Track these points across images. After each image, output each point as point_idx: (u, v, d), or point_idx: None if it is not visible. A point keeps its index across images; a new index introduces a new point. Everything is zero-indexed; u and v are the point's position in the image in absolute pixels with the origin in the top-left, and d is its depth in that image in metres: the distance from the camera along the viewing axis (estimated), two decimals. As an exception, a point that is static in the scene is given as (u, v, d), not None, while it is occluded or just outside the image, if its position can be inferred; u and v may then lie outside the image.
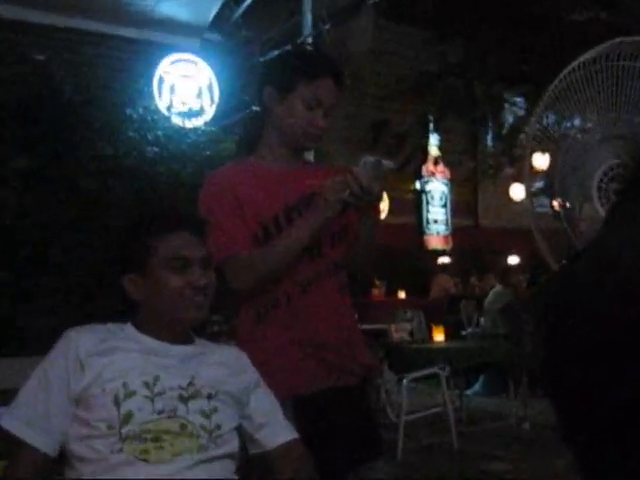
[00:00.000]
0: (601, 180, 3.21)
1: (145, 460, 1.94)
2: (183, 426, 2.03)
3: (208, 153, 6.54)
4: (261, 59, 8.69)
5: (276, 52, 7.71)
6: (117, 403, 1.99)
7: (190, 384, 2.09)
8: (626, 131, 3.15)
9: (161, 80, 7.70)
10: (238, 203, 2.61)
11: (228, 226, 2.59)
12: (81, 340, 2.08)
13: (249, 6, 8.36)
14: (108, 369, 2.03)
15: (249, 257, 2.57)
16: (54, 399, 2.03)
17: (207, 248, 2.22)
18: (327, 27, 8.04)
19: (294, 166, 2.75)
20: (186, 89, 7.78)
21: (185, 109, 7.49)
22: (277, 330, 2.62)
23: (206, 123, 7.47)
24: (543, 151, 3.67)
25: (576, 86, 3.28)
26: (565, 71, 3.30)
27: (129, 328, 2.18)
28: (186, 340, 2.22)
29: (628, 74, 3.15)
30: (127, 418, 1.98)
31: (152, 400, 2.02)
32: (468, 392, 9.26)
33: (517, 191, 14.65)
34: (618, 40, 3.18)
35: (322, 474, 2.33)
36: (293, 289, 2.61)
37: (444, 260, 14.79)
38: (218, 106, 7.93)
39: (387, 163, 2.57)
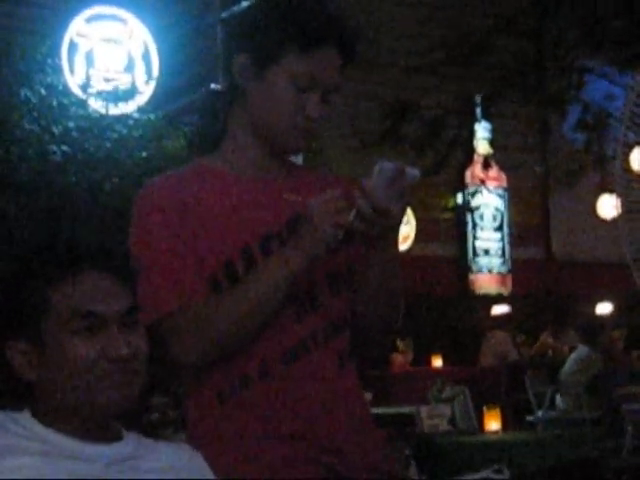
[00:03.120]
0: None
1: None
2: None
3: (144, 154, 6.54)
4: (224, 14, 8.74)
5: (247, 2, 7.72)
6: None
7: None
8: None
9: (73, 46, 7.75)
10: (187, 230, 2.53)
11: (170, 265, 2.52)
12: None
13: None
14: None
15: (198, 311, 2.52)
16: None
17: (137, 298, 2.17)
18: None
19: (275, 174, 2.67)
20: (110, 59, 7.84)
21: (109, 88, 7.53)
22: (247, 419, 2.57)
23: (141, 109, 7.49)
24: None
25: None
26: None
27: (26, 419, 2.16)
28: (113, 436, 2.20)
29: None
30: None
31: None
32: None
33: (607, 206, 14.67)
34: None
35: None
36: (272, 360, 2.54)
37: (501, 310, 14.79)
38: (159, 84, 7.98)
39: (412, 172, 2.48)
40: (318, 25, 2.60)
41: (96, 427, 2.14)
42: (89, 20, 7.82)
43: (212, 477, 2.28)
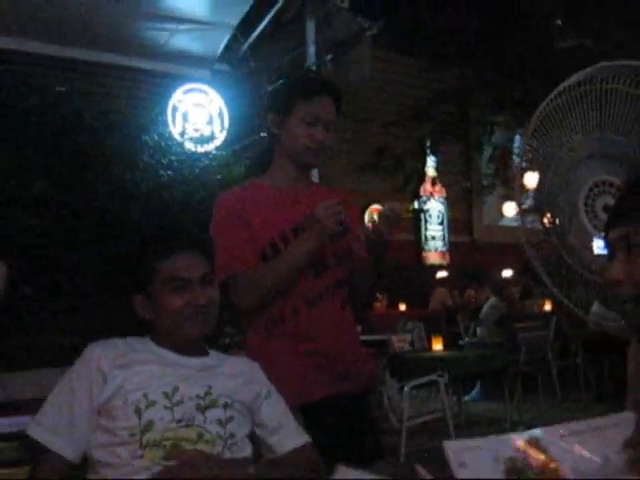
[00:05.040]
0: (587, 196, 3.21)
1: (162, 466, 1.93)
2: (200, 434, 2.02)
3: (219, 177, 6.53)
4: (269, 88, 8.73)
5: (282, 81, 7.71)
6: (139, 413, 1.98)
7: (207, 393, 2.08)
8: (610, 149, 3.14)
9: (175, 108, 7.75)
10: (246, 222, 2.58)
11: (234, 245, 2.56)
12: (104, 353, 2.08)
13: (256, 38, 8.39)
14: (129, 381, 2.02)
15: (247, 276, 2.55)
16: (78, 409, 2.03)
17: (213, 266, 2.21)
18: (329, 58, 8.05)
19: (303, 186, 2.73)
20: (198, 116, 7.84)
21: (197, 135, 7.53)
22: (285, 343, 2.61)
23: (217, 148, 7.49)
24: (533, 170, 3.66)
25: (563, 108, 3.28)
26: (552, 94, 3.29)
27: (148, 342, 2.18)
28: (201, 352, 2.21)
29: (611, 96, 3.15)
30: (148, 427, 1.97)
31: (171, 409, 2.01)
32: (466, 398, 9.19)
33: (509, 209, 14.65)
34: (600, 65, 3.18)
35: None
36: (300, 304, 2.59)
37: (442, 274, 14.74)
38: (228, 132, 7.98)
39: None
40: (315, 82, 2.74)
41: (190, 346, 2.16)
42: (185, 92, 7.83)
43: (264, 379, 2.29)
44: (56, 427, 2.02)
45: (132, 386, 2.02)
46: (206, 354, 2.23)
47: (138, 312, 2.16)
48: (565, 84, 3.24)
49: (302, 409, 2.44)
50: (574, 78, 3.19)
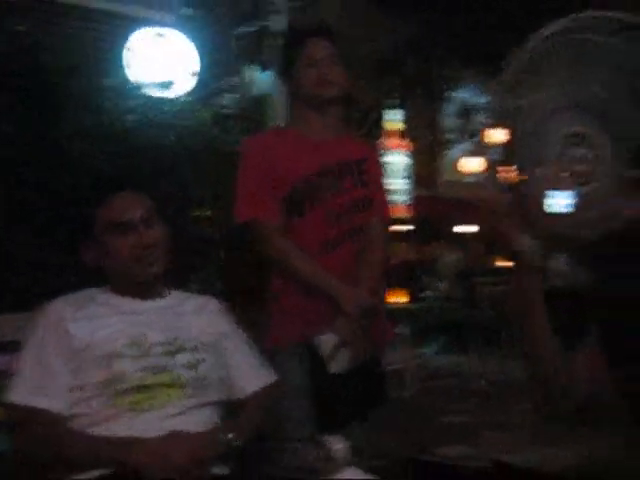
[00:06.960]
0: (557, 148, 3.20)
1: (134, 410, 1.96)
2: (172, 379, 2.04)
3: (187, 123, 6.49)
4: (234, 33, 8.68)
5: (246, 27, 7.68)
6: (109, 366, 2.01)
7: (175, 338, 2.10)
8: (585, 100, 3.13)
9: (138, 53, 7.60)
10: (269, 169, 2.81)
11: (256, 189, 2.81)
12: (67, 308, 2.10)
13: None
14: (94, 336, 2.05)
15: (284, 250, 2.79)
16: (54, 364, 2.04)
17: (159, 201, 2.22)
18: (295, 5, 7.98)
19: (328, 134, 2.88)
20: (163, 61, 7.69)
21: (164, 80, 7.41)
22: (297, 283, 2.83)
23: (187, 94, 7.42)
24: (500, 126, 3.65)
25: (534, 60, 3.26)
26: (523, 46, 3.27)
27: (107, 291, 2.19)
28: (159, 295, 2.23)
29: (587, 46, 3.12)
30: (119, 377, 2.01)
31: (140, 358, 2.03)
32: (426, 351, 9.30)
33: (474, 164, 14.72)
34: (575, 16, 3.14)
35: (331, 416, 2.64)
36: (316, 248, 2.83)
37: (403, 228, 14.83)
38: (195, 78, 7.86)
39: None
40: (301, 31, 3.02)
41: (148, 289, 2.20)
42: (149, 36, 7.65)
43: (227, 318, 2.37)
44: (36, 387, 2.02)
45: (98, 341, 2.03)
46: (166, 295, 2.25)
47: (85, 261, 2.17)
48: (539, 35, 3.21)
49: (308, 348, 2.55)
50: (550, 28, 3.16)
